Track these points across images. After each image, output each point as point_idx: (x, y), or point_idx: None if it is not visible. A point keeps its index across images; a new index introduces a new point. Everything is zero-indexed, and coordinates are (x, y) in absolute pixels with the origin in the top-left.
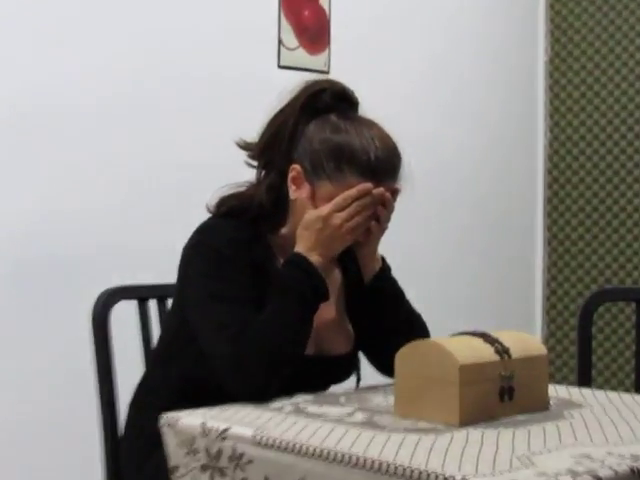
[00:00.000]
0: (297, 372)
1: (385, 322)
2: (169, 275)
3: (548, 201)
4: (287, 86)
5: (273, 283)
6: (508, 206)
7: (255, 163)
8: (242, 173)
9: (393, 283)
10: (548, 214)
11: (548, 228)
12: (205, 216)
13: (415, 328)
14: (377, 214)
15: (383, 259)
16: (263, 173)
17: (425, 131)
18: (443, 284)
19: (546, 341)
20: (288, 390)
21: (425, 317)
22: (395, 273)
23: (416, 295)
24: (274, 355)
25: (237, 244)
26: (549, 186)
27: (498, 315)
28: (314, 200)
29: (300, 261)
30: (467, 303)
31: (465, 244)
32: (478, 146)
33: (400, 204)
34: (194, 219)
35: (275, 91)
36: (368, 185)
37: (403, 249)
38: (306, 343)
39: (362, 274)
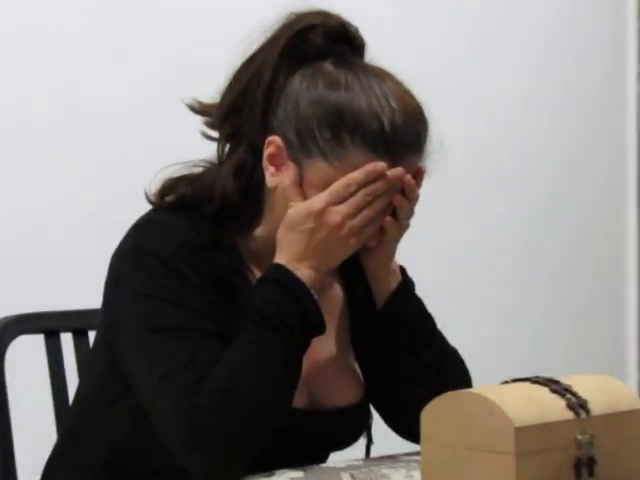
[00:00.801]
0: (281, 434)
1: (406, 362)
2: (92, 298)
3: None
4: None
5: (244, 308)
6: (591, 209)
7: (216, 134)
8: (195, 148)
9: (418, 306)
10: None
11: None
12: (144, 208)
13: (449, 372)
14: (394, 206)
15: (403, 272)
16: (228, 148)
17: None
18: (494, 309)
19: None
20: (267, 462)
21: (466, 355)
22: (423, 290)
23: (454, 324)
24: (245, 421)
25: (191, 250)
26: None
27: (573, 352)
28: (302, 187)
29: (283, 277)
30: (530, 335)
31: (534, 252)
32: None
33: (433, 192)
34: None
35: None
36: (381, 164)
37: (437, 256)
38: (292, 396)
39: (373, 293)
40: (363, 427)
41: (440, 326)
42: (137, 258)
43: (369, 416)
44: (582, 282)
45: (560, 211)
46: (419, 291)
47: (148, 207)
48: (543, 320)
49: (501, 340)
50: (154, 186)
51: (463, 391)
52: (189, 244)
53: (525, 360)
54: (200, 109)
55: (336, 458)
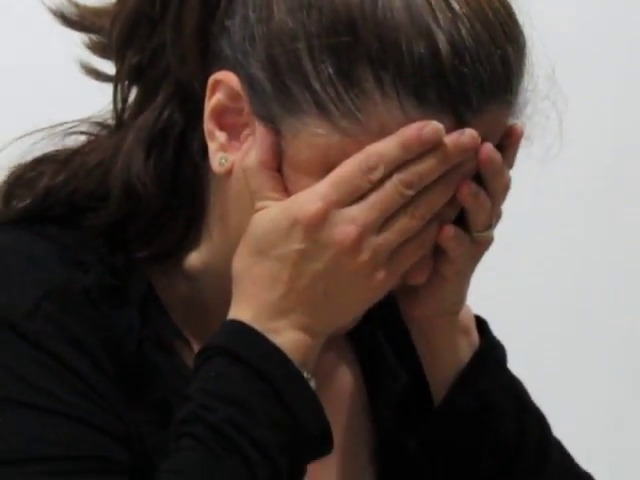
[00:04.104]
0: None
1: None
2: None
3: None
4: None
5: (175, 412)
6: None
7: (111, 68)
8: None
9: (512, 393)
10: None
11: None
12: None
13: None
14: (460, 205)
15: (483, 328)
16: (134, 97)
17: None
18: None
19: None
20: None
21: None
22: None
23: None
24: None
25: (68, 305)
26: None
27: None
28: (281, 171)
29: (247, 346)
30: None
31: None
32: None
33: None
34: None
35: None
36: (433, 125)
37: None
38: None
39: (426, 375)
40: None
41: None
42: None
43: None
44: None
45: None
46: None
47: None
48: None
49: None
50: None
51: None
52: (61, 293)
53: None
54: (78, 19)
55: None
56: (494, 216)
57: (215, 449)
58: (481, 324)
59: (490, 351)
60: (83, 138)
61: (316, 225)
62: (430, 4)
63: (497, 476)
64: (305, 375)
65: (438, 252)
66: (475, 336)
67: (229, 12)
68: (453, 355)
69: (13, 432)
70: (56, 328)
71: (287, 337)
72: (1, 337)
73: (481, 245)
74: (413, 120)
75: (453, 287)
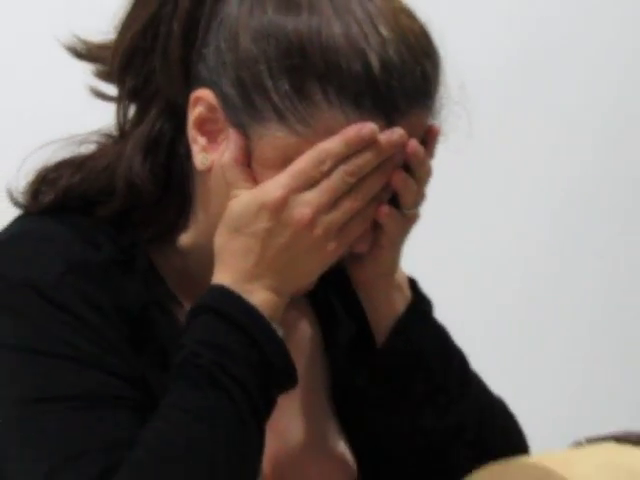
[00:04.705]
0: None
1: (424, 426)
2: None
3: None
4: None
5: (171, 358)
6: None
7: (113, 91)
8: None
9: (439, 338)
10: None
11: None
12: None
13: (492, 435)
14: (393, 189)
15: (414, 286)
16: (133, 113)
17: None
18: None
19: None
20: None
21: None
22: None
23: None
24: None
25: (85, 275)
26: None
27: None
28: (250, 166)
29: (227, 305)
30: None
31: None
32: None
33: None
34: None
35: None
36: (369, 126)
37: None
38: None
39: (369, 324)
40: None
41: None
42: (3, 296)
43: None
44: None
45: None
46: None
47: (15, 213)
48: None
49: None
50: (22, 179)
51: (516, 461)
52: (80, 267)
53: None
54: (86, 52)
55: None
56: (420, 197)
57: (204, 386)
58: (413, 283)
59: (420, 304)
60: (93, 146)
61: (279, 208)
62: (363, 31)
63: (428, 401)
64: (274, 326)
65: (376, 226)
66: (408, 292)
67: (205, 43)
68: (390, 308)
69: (38, 375)
70: (77, 294)
71: (259, 297)
72: (31, 302)
73: (410, 220)
74: (353, 122)
75: (389, 254)
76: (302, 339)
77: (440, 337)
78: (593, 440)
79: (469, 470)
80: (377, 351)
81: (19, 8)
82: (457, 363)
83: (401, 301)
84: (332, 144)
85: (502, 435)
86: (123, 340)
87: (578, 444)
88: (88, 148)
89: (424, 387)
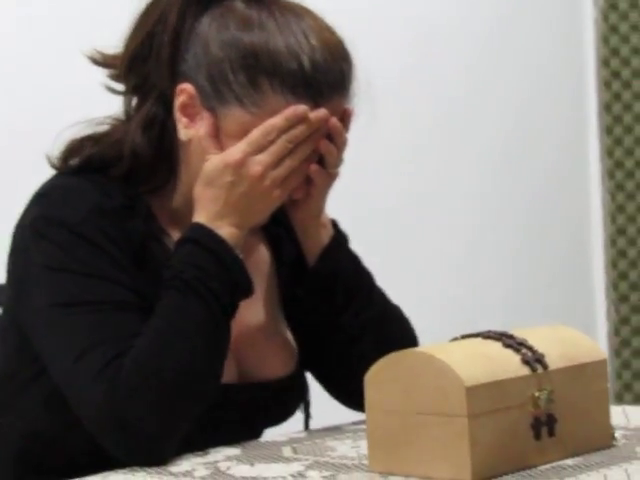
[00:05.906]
0: (212, 411)
1: (344, 323)
2: None
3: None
4: None
5: (164, 275)
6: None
7: (121, 87)
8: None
9: (353, 261)
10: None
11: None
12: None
13: (392, 331)
14: (320, 153)
15: (335, 225)
16: (135, 102)
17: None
18: (453, 270)
19: (610, 342)
20: (199, 440)
21: (427, 321)
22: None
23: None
24: (172, 398)
25: (102, 216)
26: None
27: (535, 308)
28: (219, 139)
29: (203, 237)
30: (486, 294)
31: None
32: None
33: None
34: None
35: None
36: (301, 107)
37: (380, 210)
38: (222, 368)
39: (303, 251)
40: (299, 400)
41: (396, 287)
42: (41, 228)
43: (305, 389)
44: (545, 234)
45: (522, 168)
46: (369, 248)
47: (51, 173)
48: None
49: (455, 299)
50: (57, 149)
51: (408, 351)
52: (98, 209)
53: (479, 318)
54: (102, 61)
55: (274, 434)
56: (339, 160)
57: (188, 294)
58: (334, 223)
59: (339, 238)
60: (107, 126)
61: (239, 166)
62: (298, 41)
63: (345, 307)
64: (237, 252)
65: (308, 180)
66: (330, 229)
67: (186, 50)
68: (318, 238)
69: (66, 286)
70: (96, 229)
71: (226, 230)
72: (63, 235)
73: (332, 176)
74: (291, 105)
75: (317, 200)
76: (260, 259)
77: (354, 261)
78: (466, 336)
79: (375, 358)
80: (309, 271)
81: (54, 31)
82: (366, 280)
83: (326, 235)
84: (276, 120)
85: (398, 332)
86: (129, 262)
87: (455, 339)
88: (104, 127)
89: (342, 297)
